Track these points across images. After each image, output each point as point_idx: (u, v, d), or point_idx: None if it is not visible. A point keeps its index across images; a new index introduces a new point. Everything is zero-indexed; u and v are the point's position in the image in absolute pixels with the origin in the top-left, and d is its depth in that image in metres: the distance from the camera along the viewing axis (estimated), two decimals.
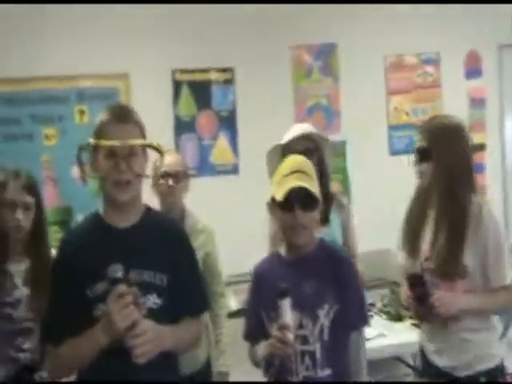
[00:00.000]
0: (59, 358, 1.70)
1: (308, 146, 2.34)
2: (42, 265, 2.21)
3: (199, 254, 2.49)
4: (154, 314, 1.64)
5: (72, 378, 1.74)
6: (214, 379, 2.62)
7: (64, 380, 1.95)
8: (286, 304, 1.69)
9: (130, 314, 1.54)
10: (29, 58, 3.51)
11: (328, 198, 2.31)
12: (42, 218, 2.27)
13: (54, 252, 2.32)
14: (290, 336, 1.68)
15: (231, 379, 2.64)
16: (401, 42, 4.12)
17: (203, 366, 2.59)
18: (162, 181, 2.53)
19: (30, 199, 2.21)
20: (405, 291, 2.09)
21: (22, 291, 2.21)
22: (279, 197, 1.78)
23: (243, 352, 1.97)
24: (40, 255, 2.24)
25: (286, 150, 2.34)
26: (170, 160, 2.55)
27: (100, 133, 1.66)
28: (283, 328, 1.68)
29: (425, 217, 2.07)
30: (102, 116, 1.69)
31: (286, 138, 2.41)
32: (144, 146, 1.71)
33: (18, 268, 2.23)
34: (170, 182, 2.51)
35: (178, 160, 2.63)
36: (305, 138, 2.36)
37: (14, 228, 2.19)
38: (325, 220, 2.28)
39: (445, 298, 1.95)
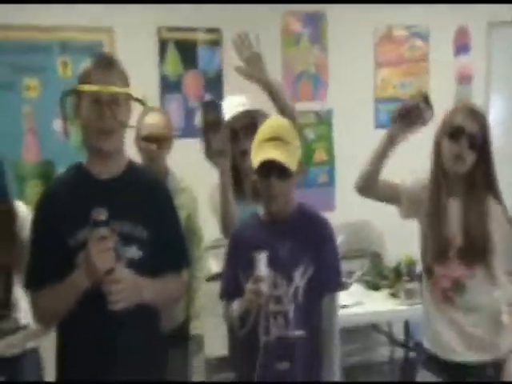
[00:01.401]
0: (41, 303, 1.70)
1: (247, 123, 2.26)
2: (3, 216, 2.18)
3: (180, 214, 2.49)
4: (134, 266, 1.65)
5: (52, 330, 1.75)
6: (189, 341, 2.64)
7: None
8: (261, 258, 1.71)
9: (110, 258, 1.55)
10: (13, 5, 3.39)
11: None
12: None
13: (20, 205, 2.29)
14: (264, 287, 1.70)
15: (207, 343, 2.66)
16: (391, 14, 4.08)
17: (180, 325, 2.59)
18: (144, 144, 2.49)
19: None
20: None
21: None
22: (254, 165, 1.78)
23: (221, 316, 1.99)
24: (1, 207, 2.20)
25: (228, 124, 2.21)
26: (154, 121, 2.49)
27: (84, 80, 1.64)
28: (257, 280, 1.70)
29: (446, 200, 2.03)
30: (85, 64, 1.68)
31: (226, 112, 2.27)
32: (128, 96, 1.69)
33: None
34: (154, 146, 2.47)
35: (163, 121, 2.56)
36: (244, 114, 2.28)
37: None
38: None
39: None
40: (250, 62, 2.27)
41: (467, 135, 1.94)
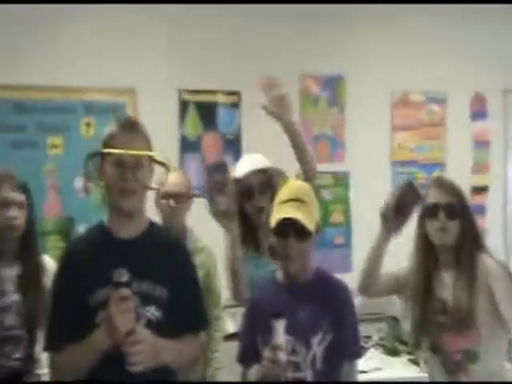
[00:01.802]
0: (60, 364, 1.70)
1: (262, 180, 2.29)
2: (33, 270, 2.21)
3: (200, 273, 2.49)
4: (153, 326, 1.64)
5: None
6: None
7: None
8: (279, 325, 1.68)
9: (131, 319, 1.55)
10: (39, 66, 3.53)
11: None
12: (33, 220, 2.28)
13: (47, 259, 2.32)
14: (282, 356, 1.67)
15: None
16: (408, 78, 4.15)
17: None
18: (163, 201, 2.53)
19: (23, 198, 2.23)
20: None
21: (12, 297, 2.20)
22: (273, 224, 1.79)
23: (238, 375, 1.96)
24: (31, 260, 2.23)
25: (239, 183, 2.27)
26: (174, 180, 2.53)
27: (108, 142, 1.70)
28: (275, 349, 1.67)
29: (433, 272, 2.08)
30: (110, 127, 1.74)
31: (241, 170, 2.33)
32: (150, 159, 1.73)
33: (9, 273, 2.22)
34: (172, 202, 2.51)
35: (182, 180, 2.62)
36: (259, 171, 2.31)
37: (8, 227, 2.18)
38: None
39: None
40: (276, 101, 2.30)
41: (444, 208, 2.01)
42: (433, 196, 2.06)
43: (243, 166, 2.33)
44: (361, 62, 4.07)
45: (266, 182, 2.29)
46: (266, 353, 1.70)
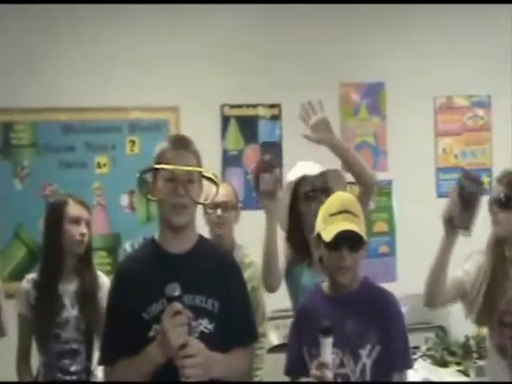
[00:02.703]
0: (115, 378, 1.73)
1: (323, 185, 2.25)
2: (90, 285, 2.28)
3: None
4: (205, 339, 1.67)
5: None
6: None
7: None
8: (327, 342, 1.67)
9: (184, 333, 1.57)
10: (84, 89, 3.64)
11: None
12: (91, 239, 2.35)
13: (101, 275, 2.38)
14: (329, 375, 1.66)
15: None
16: (451, 83, 4.10)
17: None
18: (210, 211, 2.56)
19: (88, 216, 2.32)
20: None
21: (70, 312, 2.26)
22: (327, 238, 1.78)
23: None
24: (89, 275, 2.30)
25: (298, 187, 2.26)
26: (221, 190, 2.58)
27: (160, 159, 1.74)
28: (322, 366, 1.66)
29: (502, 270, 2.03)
30: (162, 144, 1.78)
31: (295, 175, 2.31)
32: (201, 175, 1.77)
33: (67, 289, 2.29)
34: (219, 211, 2.54)
35: (229, 191, 2.67)
36: (318, 176, 2.27)
37: (78, 242, 2.28)
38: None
39: None
40: (316, 127, 2.30)
41: None
42: (505, 188, 2.02)
43: (297, 171, 2.32)
44: (401, 67, 4.03)
45: (326, 186, 2.26)
46: (313, 371, 1.69)
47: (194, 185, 1.73)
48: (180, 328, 1.57)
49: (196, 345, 1.60)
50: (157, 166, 1.73)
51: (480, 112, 4.16)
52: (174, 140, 1.80)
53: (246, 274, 2.45)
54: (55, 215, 2.32)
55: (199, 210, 1.89)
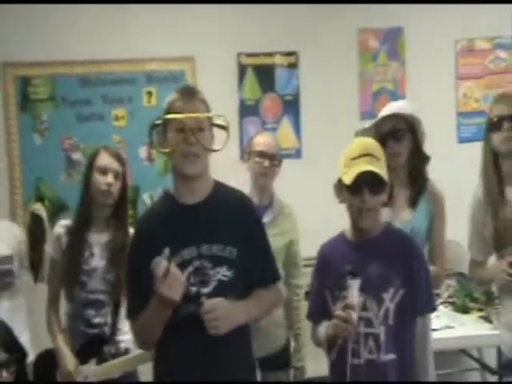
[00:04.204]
0: (137, 332, 1.80)
1: (397, 126, 2.18)
2: (121, 238, 2.30)
3: (283, 240, 2.53)
4: (226, 286, 1.70)
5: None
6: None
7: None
8: (354, 284, 1.69)
9: (180, 288, 1.61)
10: (101, 41, 3.61)
11: (419, 181, 2.23)
12: (125, 191, 2.36)
13: (132, 230, 2.40)
14: (355, 316, 1.69)
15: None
16: (472, 25, 3.98)
17: (283, 347, 2.63)
18: (258, 159, 2.55)
19: (118, 168, 2.32)
20: None
21: (99, 262, 2.30)
22: (348, 181, 1.77)
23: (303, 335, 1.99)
24: (120, 229, 2.32)
25: (375, 131, 2.19)
26: (267, 141, 2.59)
27: (169, 110, 1.73)
28: (348, 308, 1.69)
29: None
30: (170, 96, 1.77)
31: (377, 118, 2.25)
32: (210, 123, 1.75)
33: (98, 239, 2.32)
34: (266, 163, 2.53)
35: (274, 142, 2.67)
36: (395, 116, 2.19)
37: (104, 192, 2.28)
38: (412, 204, 2.19)
39: None
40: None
41: (507, 119, 2.06)
42: (496, 110, 2.12)
43: (383, 111, 2.25)
44: (421, 10, 3.91)
45: (403, 126, 2.19)
46: (338, 311, 1.71)
47: (204, 133, 1.71)
48: (175, 285, 1.60)
49: (212, 300, 1.65)
50: (166, 117, 1.72)
51: (502, 54, 4.05)
52: (181, 90, 1.78)
53: (284, 225, 2.52)
54: (87, 165, 2.36)
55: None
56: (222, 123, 1.79)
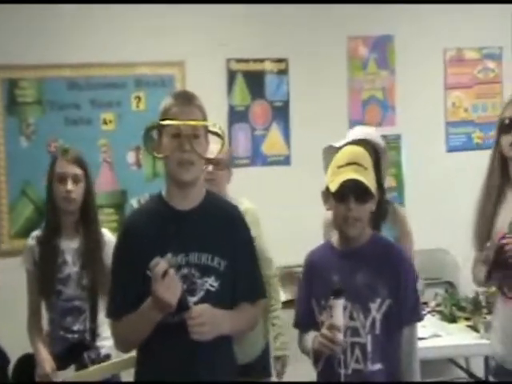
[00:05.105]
0: (119, 332, 1.77)
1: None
2: (92, 243, 2.27)
3: None
4: (212, 296, 1.68)
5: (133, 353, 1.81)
6: (273, 364, 2.65)
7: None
8: (339, 304, 1.68)
9: (177, 291, 1.58)
10: (90, 45, 3.59)
11: (381, 209, 2.21)
12: (91, 193, 2.34)
13: (106, 232, 2.38)
14: (340, 336, 1.68)
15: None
16: (461, 35, 4.00)
17: (262, 353, 2.62)
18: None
19: (78, 171, 2.28)
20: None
21: (72, 268, 2.27)
22: (333, 188, 1.78)
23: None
24: (91, 233, 2.29)
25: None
26: (213, 147, 2.56)
27: (165, 115, 1.72)
28: (333, 328, 1.68)
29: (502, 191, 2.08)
30: (166, 100, 1.75)
31: (344, 140, 2.29)
32: (206, 130, 1.75)
33: (69, 245, 2.30)
34: (210, 168, 2.51)
35: (221, 148, 2.61)
36: (364, 142, 2.21)
37: (65, 200, 2.25)
38: (375, 228, 2.16)
39: None
40: None
41: None
42: (508, 112, 2.04)
43: (352, 135, 2.30)
44: (410, 19, 3.94)
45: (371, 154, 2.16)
46: (324, 331, 1.71)
47: (199, 140, 1.71)
48: (172, 288, 1.57)
49: (200, 306, 1.63)
50: (162, 123, 1.70)
51: (491, 64, 4.08)
52: (178, 95, 1.77)
53: None
54: (48, 173, 2.32)
55: None
56: (218, 131, 1.78)
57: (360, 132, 2.34)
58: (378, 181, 2.18)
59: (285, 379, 2.72)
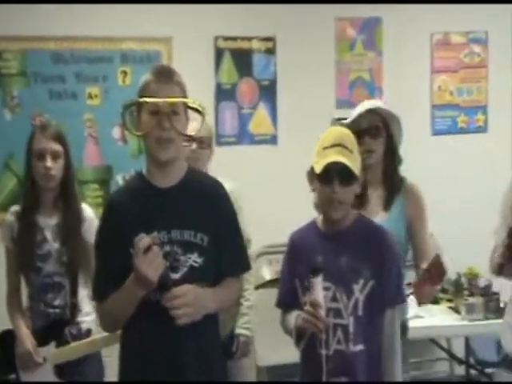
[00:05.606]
0: (105, 311, 1.76)
1: (374, 122, 2.17)
2: (72, 219, 2.25)
3: None
4: (196, 273, 1.68)
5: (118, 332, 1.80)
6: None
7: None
8: (317, 282, 1.70)
9: (160, 266, 1.58)
10: (76, 18, 3.52)
11: (392, 182, 2.20)
12: (70, 169, 2.29)
13: (86, 208, 2.36)
14: (322, 313, 1.70)
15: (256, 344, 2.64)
16: (448, 19, 4.01)
17: (231, 332, 2.59)
18: (185, 144, 2.51)
19: (57, 147, 2.24)
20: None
21: (52, 245, 2.26)
22: (318, 170, 1.78)
23: (270, 323, 1.99)
24: (70, 209, 2.27)
25: (352, 127, 2.11)
26: (194, 125, 2.54)
27: (144, 91, 1.69)
28: (315, 305, 1.70)
29: None
30: (145, 76, 1.72)
31: (353, 114, 2.22)
32: (186, 107, 1.72)
33: (49, 222, 2.27)
34: (193, 146, 2.50)
35: (206, 127, 2.60)
36: (371, 113, 2.18)
37: (44, 176, 2.21)
38: (385, 206, 2.16)
39: None
40: None
41: None
42: None
43: (356, 110, 2.22)
44: (399, 2, 3.91)
45: (379, 123, 2.18)
46: (307, 307, 1.72)
47: (179, 117, 1.68)
48: (154, 263, 1.56)
49: (184, 286, 1.61)
50: (140, 100, 1.67)
51: (477, 49, 4.09)
52: (157, 71, 1.71)
53: None
54: (26, 149, 2.27)
55: None
56: (198, 107, 1.76)
57: (368, 104, 2.26)
58: (391, 150, 2.21)
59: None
